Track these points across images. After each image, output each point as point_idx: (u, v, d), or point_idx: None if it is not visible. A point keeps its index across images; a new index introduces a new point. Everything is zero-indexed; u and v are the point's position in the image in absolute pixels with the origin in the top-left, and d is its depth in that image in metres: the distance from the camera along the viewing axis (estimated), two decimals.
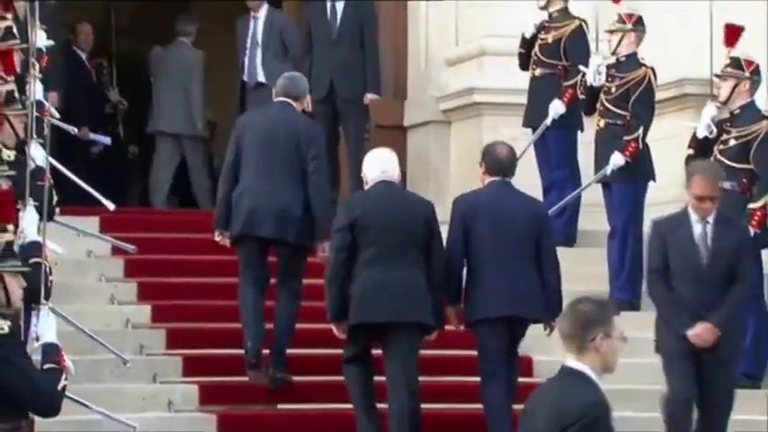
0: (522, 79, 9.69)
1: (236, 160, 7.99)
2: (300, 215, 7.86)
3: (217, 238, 8.12)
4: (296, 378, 8.01)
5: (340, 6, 10.13)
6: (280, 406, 7.96)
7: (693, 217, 7.32)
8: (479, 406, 7.57)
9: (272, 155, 7.92)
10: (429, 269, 7.44)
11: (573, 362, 4.66)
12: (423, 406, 7.46)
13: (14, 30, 7.52)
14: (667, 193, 9.53)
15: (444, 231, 7.62)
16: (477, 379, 7.59)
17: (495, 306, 7.42)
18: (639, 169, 8.98)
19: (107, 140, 8.86)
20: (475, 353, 7.59)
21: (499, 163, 7.63)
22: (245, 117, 8.34)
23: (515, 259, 7.47)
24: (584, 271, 9.22)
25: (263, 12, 10.61)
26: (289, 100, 8.10)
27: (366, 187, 7.63)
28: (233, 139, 8.08)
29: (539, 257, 7.53)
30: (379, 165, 7.59)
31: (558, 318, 4.80)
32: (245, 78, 10.54)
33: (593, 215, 9.39)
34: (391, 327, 7.35)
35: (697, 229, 7.30)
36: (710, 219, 7.32)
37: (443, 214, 7.84)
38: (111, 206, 8.65)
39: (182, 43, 11.33)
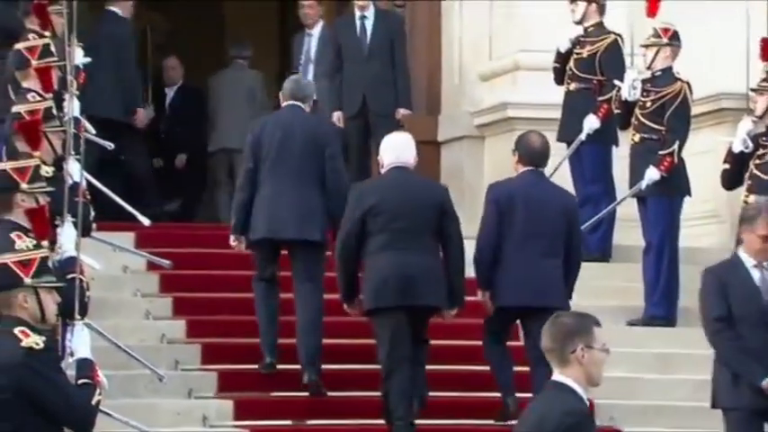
0: (556, 94, 9.67)
1: (254, 166, 8.09)
2: (321, 215, 7.97)
3: (233, 243, 8.21)
4: (328, 393, 8.02)
5: (369, 23, 10.16)
6: (311, 422, 7.96)
7: (748, 262, 6.89)
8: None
9: (289, 157, 8.00)
10: (445, 252, 7.56)
11: (557, 375, 4.66)
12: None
13: (52, 47, 7.58)
14: (703, 207, 9.50)
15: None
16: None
17: (517, 295, 7.55)
18: (675, 184, 8.94)
19: (110, 145, 8.86)
20: None
21: (534, 153, 7.75)
22: (259, 124, 8.35)
23: (543, 249, 7.60)
24: (619, 286, 9.19)
25: (317, 29, 10.65)
26: (297, 103, 8.19)
27: (381, 171, 7.74)
28: (249, 147, 8.17)
29: (566, 248, 7.66)
30: (394, 151, 7.67)
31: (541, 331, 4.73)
32: None
33: (629, 230, 9.35)
34: (407, 310, 7.48)
35: (755, 273, 6.89)
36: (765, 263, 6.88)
37: (476, 230, 7.85)
38: (146, 222, 8.67)
39: (240, 66, 11.49)
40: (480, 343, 7.94)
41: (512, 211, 7.63)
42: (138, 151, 10.77)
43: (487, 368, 7.89)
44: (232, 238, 8.20)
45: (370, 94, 10.06)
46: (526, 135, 7.91)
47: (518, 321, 7.87)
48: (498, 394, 7.81)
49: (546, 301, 7.47)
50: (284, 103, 8.25)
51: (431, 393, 7.82)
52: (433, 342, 7.88)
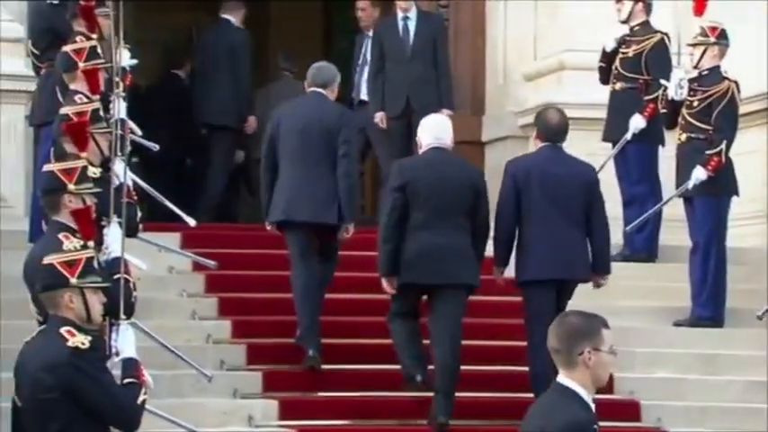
0: (601, 93, 9.62)
1: (274, 151, 8.30)
2: (337, 198, 8.16)
3: (268, 227, 8.41)
4: (372, 393, 8.02)
5: (412, 24, 10.13)
6: (355, 421, 7.96)
7: None
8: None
9: (307, 142, 8.21)
10: (474, 233, 7.75)
11: (563, 378, 4.52)
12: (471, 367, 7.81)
13: (99, 49, 7.62)
14: (751, 207, 9.42)
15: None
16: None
17: (542, 268, 7.69)
18: (722, 184, 8.87)
19: (155, 146, 8.91)
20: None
21: (550, 128, 7.90)
22: (280, 109, 8.55)
23: (564, 223, 7.73)
24: (665, 287, 9.13)
25: (372, 31, 10.61)
26: (319, 89, 8.37)
27: (420, 152, 7.91)
28: (269, 132, 8.39)
29: (588, 221, 7.78)
30: (432, 131, 7.87)
31: (549, 330, 4.58)
32: (353, 95, 10.62)
33: (675, 230, 9.29)
34: (438, 288, 7.67)
35: None
36: None
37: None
38: (191, 222, 8.70)
39: (288, 79, 11.53)
40: (520, 343, 7.91)
41: (528, 186, 7.78)
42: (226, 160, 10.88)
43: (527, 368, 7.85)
44: (267, 223, 8.42)
45: (413, 94, 10.03)
46: (544, 111, 8.09)
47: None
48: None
49: (574, 273, 7.68)
50: (308, 90, 8.43)
51: (467, 394, 7.80)
52: (473, 342, 7.92)
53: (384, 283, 7.81)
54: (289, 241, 8.32)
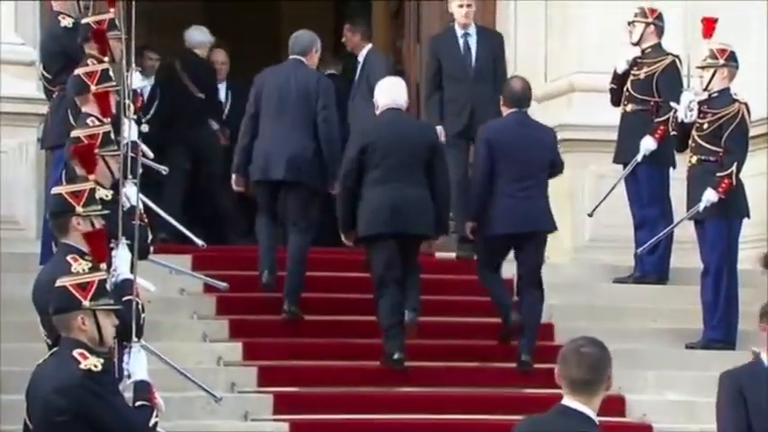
0: (612, 115, 9.62)
1: (255, 114, 8.83)
2: (310, 159, 8.65)
3: (234, 184, 8.98)
4: (399, 416, 8.02)
5: (473, 41, 9.81)
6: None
7: None
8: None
9: (285, 106, 8.71)
10: (432, 186, 8.33)
11: (577, 404, 4.50)
12: None
13: (110, 72, 7.64)
14: (761, 229, 9.40)
15: None
16: None
17: (506, 223, 8.42)
18: (733, 206, 8.86)
19: (165, 170, 8.93)
20: None
21: (514, 95, 8.64)
22: (262, 75, 8.99)
23: (530, 181, 8.49)
24: (677, 309, 9.12)
25: (363, 53, 10.46)
26: (298, 57, 8.88)
27: (377, 113, 8.50)
28: (252, 96, 8.90)
29: (549, 178, 8.64)
30: (388, 93, 8.51)
31: (563, 363, 4.57)
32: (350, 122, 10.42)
33: (686, 252, 9.28)
34: (401, 237, 8.27)
35: None
36: None
37: None
38: (201, 244, 8.70)
39: None
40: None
41: (501, 147, 8.50)
42: None
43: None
44: (234, 177, 8.96)
45: (477, 113, 9.62)
46: (510, 80, 8.96)
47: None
48: None
49: (537, 225, 8.48)
50: (289, 58, 8.94)
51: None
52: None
53: (343, 238, 8.52)
54: (258, 198, 8.90)
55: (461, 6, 9.70)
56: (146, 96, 10.64)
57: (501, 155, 8.48)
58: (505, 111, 8.67)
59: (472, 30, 9.83)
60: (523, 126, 8.60)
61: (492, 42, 9.87)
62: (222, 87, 10.97)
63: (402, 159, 8.29)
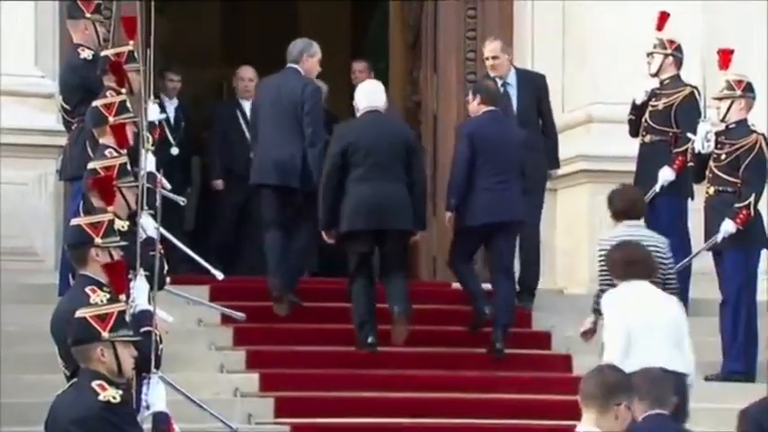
0: (630, 146, 9.61)
1: (256, 121, 9.38)
2: (300, 165, 9.03)
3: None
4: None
5: (513, 90, 9.57)
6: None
7: None
8: None
9: (278, 113, 9.14)
10: (411, 182, 8.74)
11: (588, 426, 4.64)
12: None
13: (128, 103, 7.67)
14: None
15: None
16: None
17: (485, 214, 8.81)
18: (751, 237, 8.84)
19: (183, 200, 8.96)
20: None
21: (490, 93, 9.11)
22: (261, 83, 9.61)
23: (507, 175, 8.90)
24: (696, 341, 9.01)
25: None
26: (292, 65, 9.28)
27: (357, 115, 8.95)
28: (252, 104, 9.60)
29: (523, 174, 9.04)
30: (367, 96, 8.97)
31: (584, 378, 4.82)
32: None
33: (705, 284, 9.24)
34: (382, 233, 8.66)
35: None
36: None
37: (551, 297, 8.18)
38: (219, 275, 8.72)
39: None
40: (547, 397, 8.07)
41: (482, 143, 8.88)
42: None
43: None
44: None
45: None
46: (482, 81, 9.41)
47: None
48: None
49: (511, 215, 8.84)
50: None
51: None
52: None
53: (324, 235, 8.84)
54: (261, 203, 9.32)
55: (487, 59, 9.61)
56: (172, 118, 10.73)
57: (482, 150, 8.87)
58: (482, 108, 9.06)
59: (512, 77, 9.59)
60: (500, 123, 9.05)
61: (534, 86, 9.62)
62: (248, 105, 10.75)
63: (382, 158, 8.70)
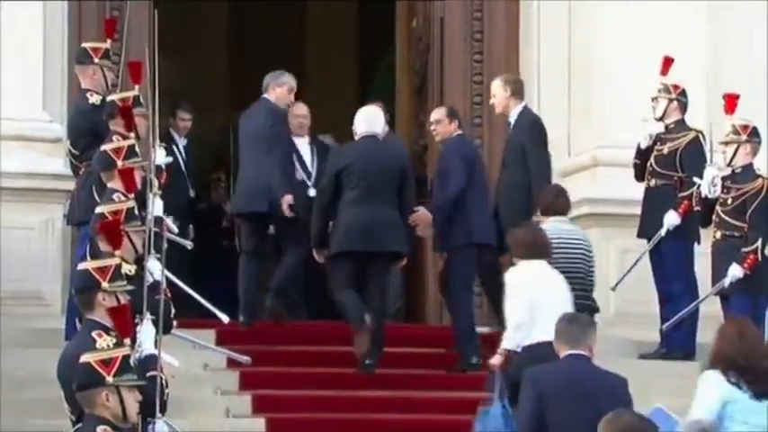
0: (636, 190, 9.62)
1: (239, 150, 9.88)
2: (270, 189, 9.41)
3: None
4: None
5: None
6: None
7: None
8: None
9: (251, 142, 9.63)
10: (401, 208, 9.04)
11: None
12: None
13: (137, 148, 7.70)
14: None
15: None
16: None
17: (474, 234, 9.25)
18: (759, 281, 8.82)
19: (189, 244, 8.96)
20: None
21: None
22: (243, 114, 9.93)
23: (486, 199, 9.39)
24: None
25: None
26: (264, 95, 9.79)
27: (356, 139, 9.26)
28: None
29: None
30: (365, 120, 9.27)
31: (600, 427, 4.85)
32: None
33: (713, 328, 9.20)
34: (370, 255, 8.90)
35: None
36: None
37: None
38: (225, 319, 8.71)
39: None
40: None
41: (473, 167, 9.38)
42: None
43: None
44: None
45: (502, 202, 9.53)
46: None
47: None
48: None
49: (492, 237, 9.30)
50: None
51: None
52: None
53: (315, 254, 9.14)
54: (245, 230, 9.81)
55: (430, 124, 9.77)
56: (183, 157, 10.76)
57: (472, 172, 9.36)
58: (457, 131, 9.59)
59: (513, 116, 9.61)
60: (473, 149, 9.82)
61: (522, 130, 9.59)
62: (304, 143, 10.55)
63: (374, 183, 8.97)
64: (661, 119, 9.53)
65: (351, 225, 8.90)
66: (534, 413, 6.20)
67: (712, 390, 6.52)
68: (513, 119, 9.69)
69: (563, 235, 8.73)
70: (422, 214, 9.36)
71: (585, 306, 8.52)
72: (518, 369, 7.46)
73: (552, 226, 8.72)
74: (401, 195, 9.05)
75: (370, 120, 9.28)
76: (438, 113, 9.71)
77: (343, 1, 14.97)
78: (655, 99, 9.53)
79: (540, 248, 8.25)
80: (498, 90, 9.66)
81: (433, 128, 9.70)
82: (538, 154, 9.59)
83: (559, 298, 8.02)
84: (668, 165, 9.45)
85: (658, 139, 9.51)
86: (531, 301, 7.95)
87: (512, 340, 7.99)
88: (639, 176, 9.59)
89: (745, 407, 6.40)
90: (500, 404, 7.74)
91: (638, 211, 9.53)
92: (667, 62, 9.32)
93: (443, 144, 9.61)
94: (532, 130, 9.64)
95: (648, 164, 9.52)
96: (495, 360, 7.99)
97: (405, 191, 9.08)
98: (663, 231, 9.31)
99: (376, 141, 9.20)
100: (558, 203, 8.93)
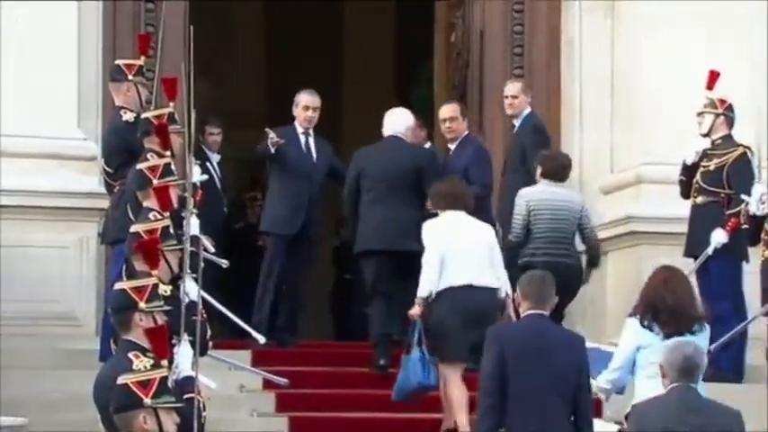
0: (681, 207, 9.44)
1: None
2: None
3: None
4: None
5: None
6: None
7: None
8: None
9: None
10: (421, 206, 8.99)
11: None
12: None
13: (172, 166, 7.59)
14: None
15: None
16: None
17: None
18: None
19: (225, 263, 8.84)
20: None
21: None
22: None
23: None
24: (752, 409, 8.81)
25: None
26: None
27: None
28: None
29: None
30: (389, 122, 9.50)
31: None
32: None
33: (761, 349, 9.02)
34: (387, 254, 9.06)
35: None
36: None
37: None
38: (261, 340, 8.60)
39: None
40: None
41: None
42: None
43: None
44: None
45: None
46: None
47: None
48: None
49: None
50: None
51: None
52: None
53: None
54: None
55: (506, 98, 9.91)
56: (217, 174, 10.65)
57: None
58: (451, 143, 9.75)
59: (519, 119, 9.84)
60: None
61: (528, 132, 9.77)
62: None
63: (391, 183, 9.18)
64: (707, 134, 9.35)
65: (369, 225, 9.13)
66: (496, 366, 6.52)
67: (629, 336, 7.00)
68: (518, 122, 9.84)
69: (548, 197, 9.03)
70: None
71: (566, 265, 8.89)
72: (433, 314, 8.22)
73: (540, 188, 9.07)
74: (420, 194, 9.06)
75: (392, 121, 9.48)
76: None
77: (381, 19, 14.90)
78: (700, 114, 9.36)
79: (457, 199, 8.58)
80: (520, 92, 9.88)
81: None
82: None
83: (475, 243, 8.42)
84: (715, 181, 9.27)
85: (704, 155, 9.34)
86: (443, 249, 8.35)
87: (425, 287, 8.33)
88: (685, 194, 9.42)
89: (657, 349, 6.66)
90: (418, 350, 8.24)
91: (684, 228, 9.35)
92: (713, 76, 9.16)
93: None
94: (535, 133, 9.70)
95: (694, 181, 9.35)
96: (414, 310, 8.33)
97: (424, 188, 9.02)
98: (710, 250, 9.13)
99: (395, 141, 9.37)
100: (548, 167, 9.14)
